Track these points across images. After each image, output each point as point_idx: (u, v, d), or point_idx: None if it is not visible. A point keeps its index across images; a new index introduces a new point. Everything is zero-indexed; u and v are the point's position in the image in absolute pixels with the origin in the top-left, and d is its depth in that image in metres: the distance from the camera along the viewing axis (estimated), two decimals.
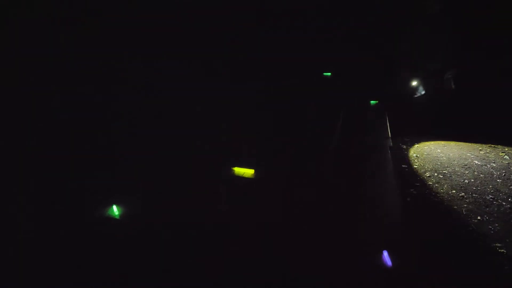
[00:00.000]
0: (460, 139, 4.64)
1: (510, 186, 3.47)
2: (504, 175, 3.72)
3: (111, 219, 2.48)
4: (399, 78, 4.64)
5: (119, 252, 2.21)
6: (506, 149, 4.44)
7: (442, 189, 3.44)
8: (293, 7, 4.99)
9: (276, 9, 4.97)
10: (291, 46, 4.87)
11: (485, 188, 3.45)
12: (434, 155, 4.34)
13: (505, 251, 2.48)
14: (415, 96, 4.54)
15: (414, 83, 4.49)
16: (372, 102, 4.59)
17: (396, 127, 4.70)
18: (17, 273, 2.05)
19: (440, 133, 4.54)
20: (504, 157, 4.20)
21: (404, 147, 4.57)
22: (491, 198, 3.24)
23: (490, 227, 2.78)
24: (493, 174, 3.74)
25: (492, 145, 4.46)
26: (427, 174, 3.78)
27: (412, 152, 4.43)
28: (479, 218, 2.91)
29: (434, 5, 4.04)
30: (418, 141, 4.74)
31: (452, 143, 4.56)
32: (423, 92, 4.47)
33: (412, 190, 3.40)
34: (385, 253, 2.38)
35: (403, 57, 4.55)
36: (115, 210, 2.52)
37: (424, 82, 4.48)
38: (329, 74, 4.73)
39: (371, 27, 5.00)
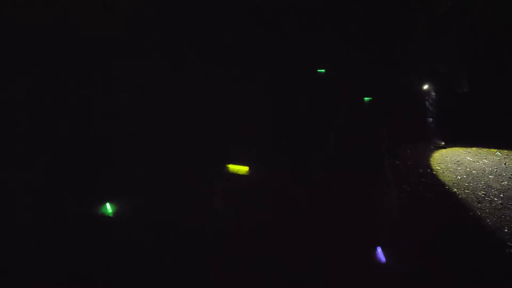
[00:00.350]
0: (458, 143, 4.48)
1: (501, 182, 3.43)
2: (496, 171, 3.68)
3: (105, 217, 2.41)
4: (401, 78, 4.43)
5: (115, 252, 2.16)
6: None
7: (435, 185, 3.39)
8: (291, 6, 4.87)
9: (274, 7, 4.86)
10: (290, 44, 4.77)
11: (477, 184, 3.40)
12: (428, 152, 4.29)
13: (496, 247, 2.44)
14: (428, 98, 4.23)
15: (425, 86, 4.19)
16: (366, 98, 4.46)
17: (392, 125, 4.62)
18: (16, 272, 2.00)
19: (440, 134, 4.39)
20: (496, 153, 4.15)
21: (399, 143, 4.51)
22: (483, 194, 3.20)
23: (482, 223, 2.74)
24: (485, 170, 3.70)
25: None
26: (420, 171, 3.73)
27: (406, 149, 4.37)
28: (471, 214, 2.87)
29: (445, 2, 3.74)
30: (413, 139, 4.66)
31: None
32: (433, 96, 4.19)
33: (405, 186, 3.35)
34: (379, 250, 2.34)
35: (407, 57, 4.30)
36: (109, 208, 2.45)
37: (432, 85, 4.17)
38: (323, 70, 4.61)
39: (371, 24, 4.83)
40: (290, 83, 4.46)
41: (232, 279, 1.94)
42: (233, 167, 3.03)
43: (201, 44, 4.70)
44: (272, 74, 4.56)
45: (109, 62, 3.87)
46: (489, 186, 3.34)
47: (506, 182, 3.40)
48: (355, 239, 2.38)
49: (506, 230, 2.62)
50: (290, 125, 3.85)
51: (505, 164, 3.83)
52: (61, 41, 3.58)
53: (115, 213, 2.48)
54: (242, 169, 3.01)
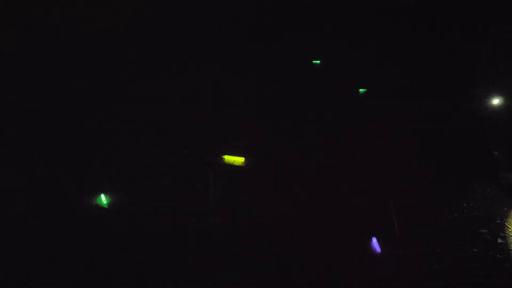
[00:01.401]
0: None
1: None
2: None
3: (100, 208, 2.22)
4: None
5: (115, 252, 1.97)
6: None
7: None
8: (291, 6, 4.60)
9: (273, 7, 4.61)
10: (289, 44, 4.53)
11: None
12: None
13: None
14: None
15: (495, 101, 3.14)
16: (361, 90, 4.12)
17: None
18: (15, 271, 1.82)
19: None
20: None
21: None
22: None
23: None
24: None
25: None
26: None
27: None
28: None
29: None
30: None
31: None
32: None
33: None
34: (374, 240, 2.15)
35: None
36: (103, 199, 2.27)
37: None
38: (318, 62, 4.34)
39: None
40: (288, 78, 4.22)
41: (231, 278, 1.75)
42: (229, 158, 2.79)
43: (200, 43, 4.51)
44: (270, 71, 4.34)
45: (108, 62, 3.70)
46: None
47: None
48: (352, 230, 2.19)
49: None
50: (289, 120, 3.65)
51: None
52: (61, 41, 3.42)
53: (112, 212, 2.28)
54: (238, 160, 2.77)
